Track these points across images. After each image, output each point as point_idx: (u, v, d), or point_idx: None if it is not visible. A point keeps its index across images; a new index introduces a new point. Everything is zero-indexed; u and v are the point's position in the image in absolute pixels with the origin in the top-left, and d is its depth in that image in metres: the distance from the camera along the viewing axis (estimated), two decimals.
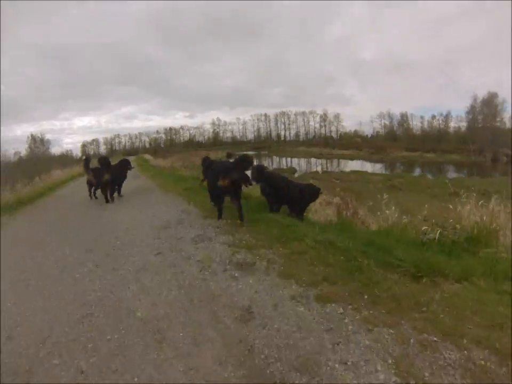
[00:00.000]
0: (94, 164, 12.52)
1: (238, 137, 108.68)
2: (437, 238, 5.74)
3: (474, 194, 7.16)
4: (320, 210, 11.12)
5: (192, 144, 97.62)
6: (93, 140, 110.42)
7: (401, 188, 33.13)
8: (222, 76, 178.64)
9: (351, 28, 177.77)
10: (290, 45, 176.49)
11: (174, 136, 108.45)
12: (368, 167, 54.66)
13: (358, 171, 44.81)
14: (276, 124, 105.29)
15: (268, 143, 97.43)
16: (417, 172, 51.32)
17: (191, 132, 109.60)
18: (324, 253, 5.05)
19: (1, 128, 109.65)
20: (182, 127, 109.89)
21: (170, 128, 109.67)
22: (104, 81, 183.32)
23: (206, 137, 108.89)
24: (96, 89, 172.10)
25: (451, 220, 6.64)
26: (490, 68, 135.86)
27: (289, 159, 66.56)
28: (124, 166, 12.19)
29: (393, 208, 7.65)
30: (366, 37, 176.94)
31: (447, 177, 40.88)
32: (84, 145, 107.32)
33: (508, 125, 69.11)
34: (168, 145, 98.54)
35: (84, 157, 13.80)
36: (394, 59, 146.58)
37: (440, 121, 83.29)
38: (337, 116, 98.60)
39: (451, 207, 7.03)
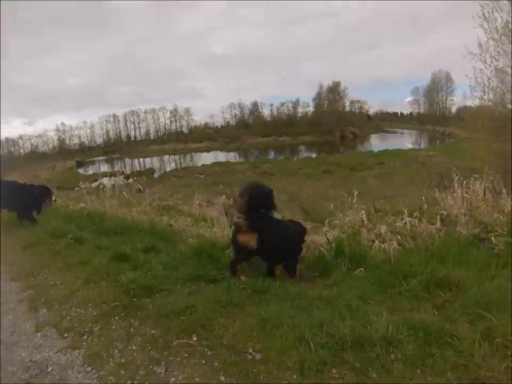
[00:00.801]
0: None
1: (87, 142, 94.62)
2: None
3: None
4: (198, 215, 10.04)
5: (35, 156, 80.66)
6: None
7: (273, 173, 31.66)
8: (66, 72, 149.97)
9: (206, 21, 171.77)
10: (141, 38, 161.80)
11: (12, 149, 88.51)
12: (227, 156, 54.34)
13: (221, 162, 43.10)
14: (125, 124, 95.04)
15: (119, 145, 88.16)
16: (272, 155, 52.97)
17: (32, 141, 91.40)
18: None
19: None
20: (21, 137, 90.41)
21: (7, 139, 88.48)
22: None
23: (50, 146, 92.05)
24: None
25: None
26: (333, 62, 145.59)
27: (142, 159, 61.41)
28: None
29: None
30: (219, 32, 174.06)
31: (311, 157, 42.76)
32: None
33: (348, 108, 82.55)
34: (6, 160, 79.98)
35: None
36: (245, 53, 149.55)
37: (290, 107, 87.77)
38: (187, 110, 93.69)
39: None
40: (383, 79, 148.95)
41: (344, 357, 2.22)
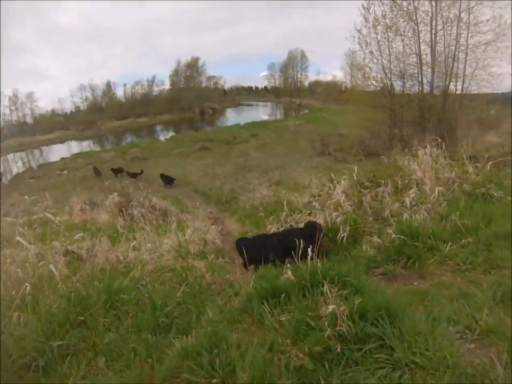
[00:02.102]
0: None
1: None
2: None
3: None
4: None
5: None
6: None
7: (145, 157, 30.08)
8: None
9: None
10: None
11: None
12: (82, 145, 50.63)
13: (83, 153, 39.79)
14: None
15: None
16: (132, 138, 52.34)
17: None
18: None
19: None
20: None
21: None
22: None
23: None
24: None
25: None
26: (189, 37, 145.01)
27: None
28: None
29: None
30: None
31: (179, 135, 41.99)
32: None
33: (205, 84, 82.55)
34: None
35: None
36: (93, 26, 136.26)
37: (146, 86, 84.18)
38: (30, 95, 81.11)
39: None
40: (239, 55, 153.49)
41: None
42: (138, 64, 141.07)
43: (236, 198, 12.38)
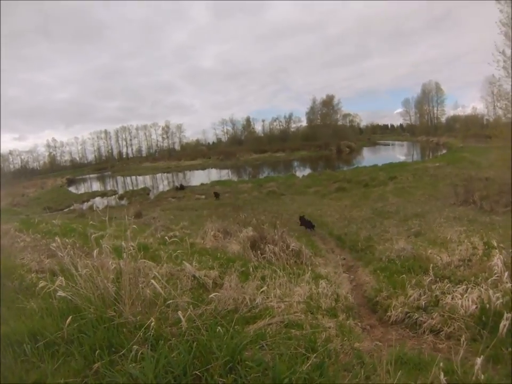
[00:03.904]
0: None
1: (78, 159, 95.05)
2: None
3: None
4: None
5: (25, 172, 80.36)
6: None
7: (282, 193, 29.94)
8: (55, 86, 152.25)
9: (193, 36, 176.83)
10: (129, 52, 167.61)
11: (2, 165, 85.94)
12: (221, 174, 53.43)
13: (222, 181, 41.46)
14: (117, 140, 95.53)
15: (110, 162, 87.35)
16: (268, 171, 52.13)
17: (22, 157, 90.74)
18: None
19: None
20: (10, 152, 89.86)
21: None
22: None
23: (41, 162, 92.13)
24: None
25: None
26: (318, 74, 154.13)
27: (135, 177, 59.89)
28: None
29: None
30: (206, 46, 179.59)
31: (316, 173, 40.86)
32: None
33: (341, 122, 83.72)
34: None
35: None
36: (232, 67, 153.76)
37: (283, 123, 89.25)
38: (179, 127, 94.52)
39: None
40: (369, 91, 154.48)
41: None
42: (273, 100, 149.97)
43: (372, 247, 11.19)
